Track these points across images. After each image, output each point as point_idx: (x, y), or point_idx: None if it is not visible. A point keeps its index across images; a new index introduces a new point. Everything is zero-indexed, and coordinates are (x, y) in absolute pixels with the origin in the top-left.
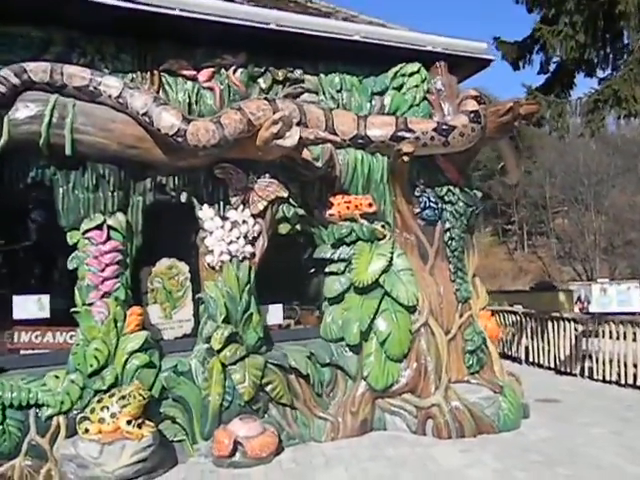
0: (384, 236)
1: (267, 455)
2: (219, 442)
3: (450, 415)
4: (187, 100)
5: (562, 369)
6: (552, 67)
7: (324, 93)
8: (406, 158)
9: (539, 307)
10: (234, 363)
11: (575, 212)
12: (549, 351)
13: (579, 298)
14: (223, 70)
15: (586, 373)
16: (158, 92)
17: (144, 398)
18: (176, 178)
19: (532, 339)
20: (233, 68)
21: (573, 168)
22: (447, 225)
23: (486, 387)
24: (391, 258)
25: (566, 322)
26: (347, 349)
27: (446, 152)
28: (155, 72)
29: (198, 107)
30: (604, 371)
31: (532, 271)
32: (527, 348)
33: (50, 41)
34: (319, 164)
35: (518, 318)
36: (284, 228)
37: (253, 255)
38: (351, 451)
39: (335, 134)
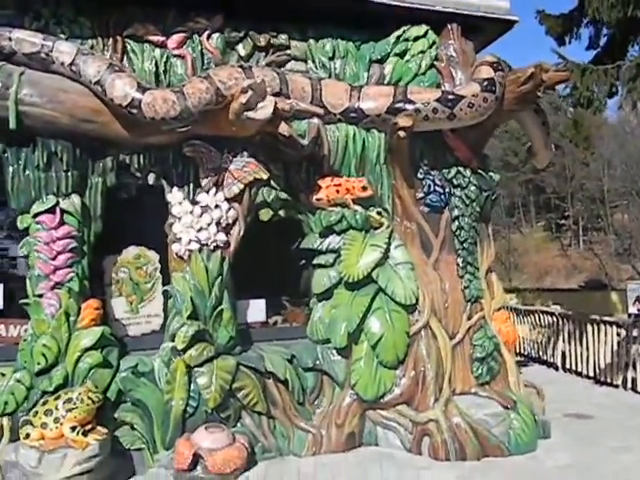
0: (381, 224)
1: (232, 471)
2: (179, 453)
3: (449, 433)
4: (154, 69)
5: (602, 379)
6: (602, 41)
7: (314, 61)
8: (403, 133)
9: (588, 308)
10: (200, 365)
11: (636, 206)
12: (588, 358)
13: (638, 298)
14: (196, 35)
15: (629, 384)
16: (122, 61)
17: (94, 402)
18: (141, 157)
19: (569, 343)
20: (207, 33)
21: (634, 159)
22: (455, 212)
23: (496, 401)
24: (387, 250)
25: (607, 326)
26: (334, 352)
27: (454, 127)
28: (118, 38)
29: (167, 77)
30: None
31: (587, 269)
32: (564, 353)
33: None
34: (305, 142)
35: (554, 319)
36: (265, 214)
37: (227, 244)
38: (331, 469)
39: (323, 107)
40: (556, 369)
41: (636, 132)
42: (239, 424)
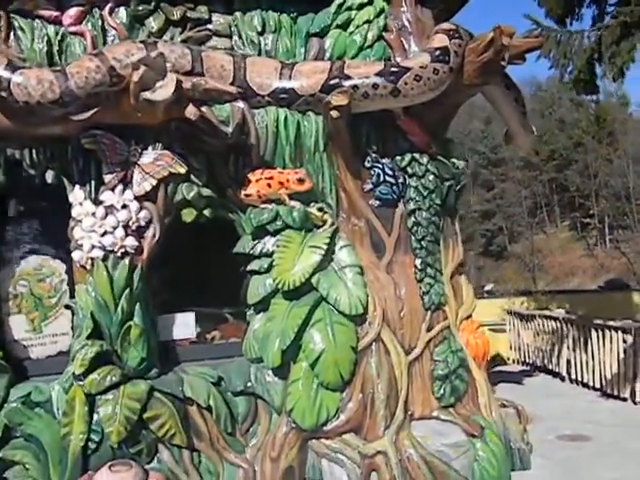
0: (324, 222)
1: None
2: None
3: (399, 469)
4: (47, 50)
5: (608, 391)
6: (607, 21)
7: (240, 37)
8: (336, 113)
9: (607, 311)
10: (104, 392)
11: None
12: (593, 367)
13: None
14: (96, 10)
15: (637, 397)
16: (7, 40)
17: None
18: (35, 151)
19: (574, 351)
20: (110, 6)
21: None
22: (411, 206)
23: (460, 428)
24: (327, 251)
25: (612, 331)
26: (270, 373)
27: (402, 105)
28: (1, 13)
29: (63, 58)
30: None
31: (615, 268)
32: (569, 362)
33: None
34: (229, 129)
35: (558, 325)
36: (188, 214)
37: (139, 250)
38: None
39: (248, 87)
40: (562, 379)
41: None
42: (155, 459)
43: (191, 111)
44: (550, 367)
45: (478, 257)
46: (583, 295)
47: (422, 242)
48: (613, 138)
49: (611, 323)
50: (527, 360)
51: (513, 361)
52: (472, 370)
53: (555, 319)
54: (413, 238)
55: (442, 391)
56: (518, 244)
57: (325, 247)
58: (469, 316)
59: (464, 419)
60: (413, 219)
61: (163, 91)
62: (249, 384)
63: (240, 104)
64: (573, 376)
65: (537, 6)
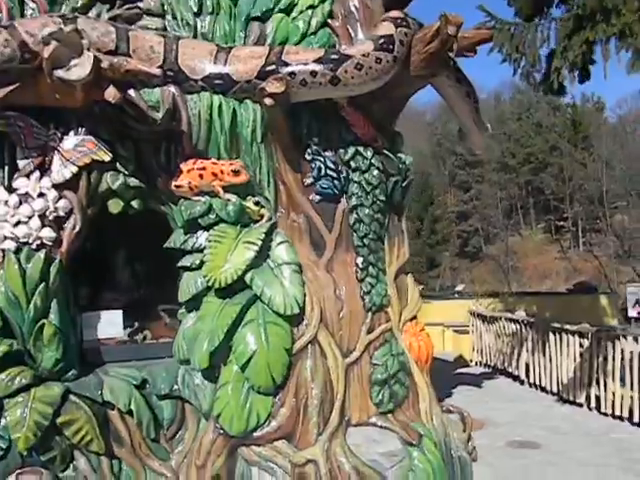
0: (261, 217)
1: None
2: None
3: (329, 479)
4: None
5: (565, 395)
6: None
7: (174, 17)
8: (270, 101)
9: (574, 314)
10: (13, 395)
11: (637, 207)
12: (551, 371)
13: (637, 301)
14: None
15: (592, 403)
16: None
17: None
18: None
19: (533, 354)
20: None
21: (635, 158)
22: (354, 201)
23: (397, 435)
24: (262, 248)
25: (569, 335)
26: (198, 376)
27: (343, 94)
28: None
29: None
30: (614, 403)
31: (587, 271)
32: (528, 365)
33: None
34: (158, 115)
35: (518, 327)
36: (115, 205)
37: (57, 242)
38: None
39: (180, 71)
40: (521, 383)
41: (638, 131)
42: (71, 467)
43: (111, 93)
44: (510, 370)
45: (453, 258)
46: (551, 297)
47: (364, 240)
48: (588, 142)
49: (568, 327)
50: (489, 362)
51: (476, 363)
52: (414, 374)
53: (516, 321)
54: (355, 236)
55: (380, 396)
56: (493, 245)
57: (260, 243)
58: (414, 317)
59: (402, 426)
60: (355, 216)
61: (78, 70)
62: (175, 387)
63: (171, 89)
64: (532, 380)
65: (507, 6)
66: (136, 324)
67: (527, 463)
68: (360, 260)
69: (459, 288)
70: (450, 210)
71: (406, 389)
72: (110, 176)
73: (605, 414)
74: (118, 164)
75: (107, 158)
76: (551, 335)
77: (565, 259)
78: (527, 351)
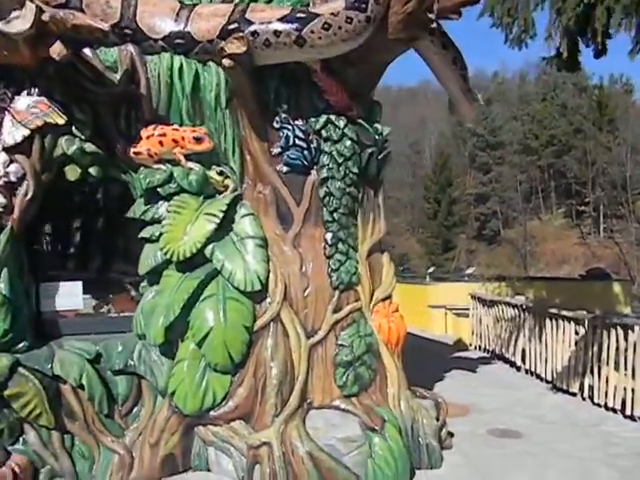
0: (225, 187)
1: None
2: None
3: (281, 463)
4: None
5: (558, 384)
6: None
7: None
8: (228, 62)
9: (585, 300)
10: None
11: None
12: (546, 358)
13: None
14: None
15: (586, 393)
16: None
17: None
18: None
19: (530, 340)
20: None
21: None
22: (324, 173)
23: (359, 420)
24: (224, 220)
25: (565, 321)
26: (156, 351)
27: (311, 57)
28: None
29: None
30: (607, 393)
31: (607, 258)
32: (524, 351)
33: None
34: (116, 76)
35: (516, 312)
36: (72, 172)
37: (8, 209)
38: None
39: (138, 29)
40: (518, 369)
41: None
42: (21, 441)
43: (56, 49)
44: (507, 356)
45: (470, 241)
46: (562, 283)
47: (334, 214)
48: (614, 125)
49: (564, 313)
50: (487, 347)
51: (475, 347)
52: (382, 357)
53: (514, 306)
54: (325, 210)
55: (345, 379)
56: (512, 229)
57: (221, 215)
58: (387, 297)
59: (366, 410)
60: (325, 189)
61: (19, 22)
62: (131, 362)
63: (130, 48)
64: (527, 366)
65: None
66: (101, 297)
67: (505, 452)
68: (329, 236)
69: (469, 271)
70: (469, 192)
71: (373, 372)
72: (65, 141)
73: (599, 405)
74: (74, 128)
75: (61, 121)
76: (547, 321)
77: (584, 245)
78: (524, 337)
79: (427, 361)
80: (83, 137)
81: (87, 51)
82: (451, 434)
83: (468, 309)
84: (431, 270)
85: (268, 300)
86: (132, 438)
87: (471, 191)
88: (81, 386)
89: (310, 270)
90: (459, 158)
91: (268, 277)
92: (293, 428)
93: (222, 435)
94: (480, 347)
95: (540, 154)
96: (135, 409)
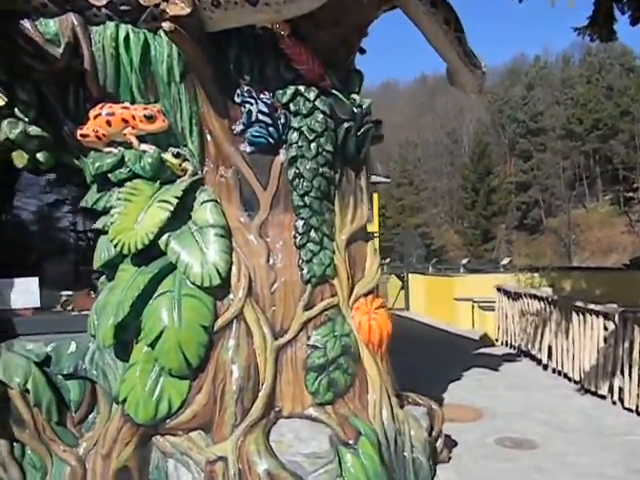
0: (184, 171)
1: None
2: None
3: None
4: None
5: (586, 385)
6: None
7: None
8: (168, 26)
9: (627, 292)
10: None
11: None
12: (574, 355)
13: None
14: None
15: (615, 395)
16: None
17: None
18: None
19: (556, 336)
20: None
21: None
22: (293, 152)
23: (333, 432)
24: (178, 207)
25: (593, 316)
26: (110, 353)
27: (268, 18)
28: None
29: None
30: (638, 396)
31: None
32: (550, 348)
33: None
34: (58, 50)
35: (542, 305)
36: (19, 158)
37: None
38: None
39: None
40: (544, 368)
41: None
42: None
43: None
44: (533, 353)
45: (511, 231)
46: (603, 273)
47: (305, 199)
48: None
49: (592, 306)
50: (513, 343)
51: (502, 343)
52: (362, 360)
53: (540, 299)
54: (295, 194)
55: (317, 385)
56: (555, 218)
57: (175, 202)
58: (370, 292)
59: (340, 421)
60: (295, 169)
61: None
62: (82, 366)
63: (71, 18)
64: (554, 365)
65: None
66: (65, 294)
67: (510, 468)
68: (300, 223)
69: (504, 262)
70: (508, 180)
71: (350, 377)
72: (7, 124)
73: (629, 409)
74: (17, 110)
75: (2, 102)
76: (574, 315)
77: (633, 233)
78: (550, 332)
79: (447, 358)
80: (27, 119)
81: (25, 22)
82: (454, 443)
83: (494, 302)
84: (464, 261)
85: (230, 296)
86: (86, 448)
87: (511, 179)
88: (27, 391)
89: (278, 262)
90: (498, 146)
91: (230, 270)
92: (252, 441)
93: (181, 446)
94: (507, 343)
95: (584, 139)
96: (90, 416)
